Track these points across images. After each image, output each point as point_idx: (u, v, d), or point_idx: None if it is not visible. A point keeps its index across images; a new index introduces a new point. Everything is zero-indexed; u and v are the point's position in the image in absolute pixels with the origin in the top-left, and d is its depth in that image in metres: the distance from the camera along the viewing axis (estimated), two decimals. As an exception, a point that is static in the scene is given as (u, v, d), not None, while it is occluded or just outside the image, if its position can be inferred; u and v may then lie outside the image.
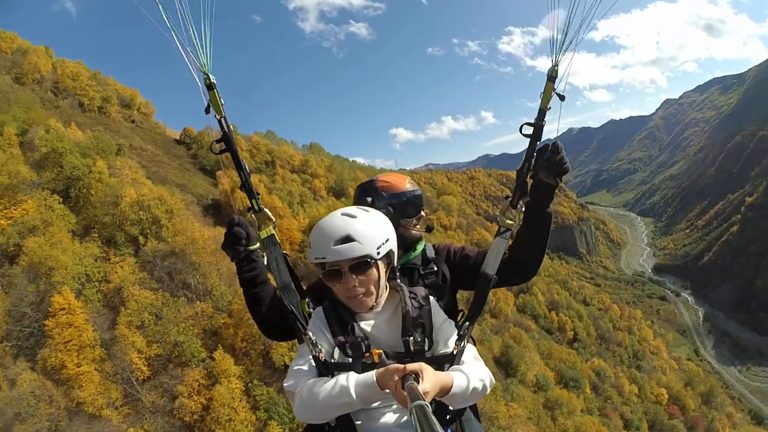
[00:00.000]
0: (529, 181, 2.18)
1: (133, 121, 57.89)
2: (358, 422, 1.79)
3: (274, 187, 47.85)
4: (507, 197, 2.21)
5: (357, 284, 1.82)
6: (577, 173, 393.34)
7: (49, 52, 57.60)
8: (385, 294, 1.96)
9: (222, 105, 2.06)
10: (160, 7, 1.83)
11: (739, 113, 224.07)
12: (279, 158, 59.98)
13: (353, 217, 1.84)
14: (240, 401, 22.67)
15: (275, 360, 25.21)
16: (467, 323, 1.99)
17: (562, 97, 2.08)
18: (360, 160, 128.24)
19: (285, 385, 1.87)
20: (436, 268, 2.30)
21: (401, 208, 2.32)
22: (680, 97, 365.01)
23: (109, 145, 33.11)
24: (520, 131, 2.10)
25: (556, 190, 2.16)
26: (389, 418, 1.80)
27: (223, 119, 2.09)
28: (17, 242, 23.94)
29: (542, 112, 2.07)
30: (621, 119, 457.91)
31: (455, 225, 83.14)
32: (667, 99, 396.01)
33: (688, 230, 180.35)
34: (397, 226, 2.19)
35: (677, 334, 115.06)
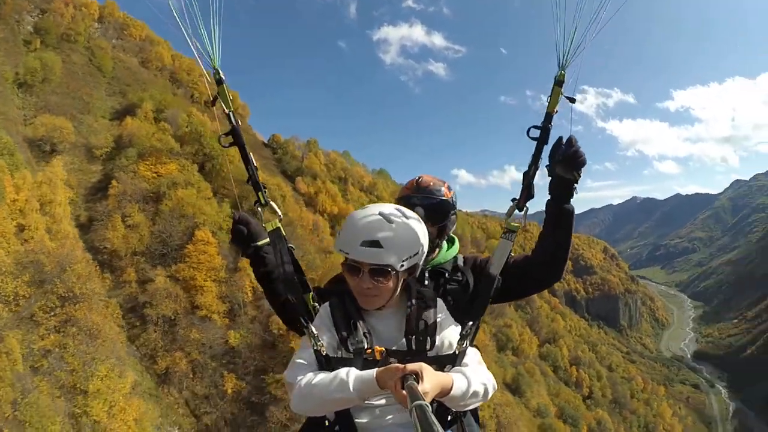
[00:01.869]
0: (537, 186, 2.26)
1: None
2: (360, 420, 1.87)
3: (349, 199, 57.39)
4: (513, 200, 2.27)
5: (371, 286, 1.89)
6: (634, 244, 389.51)
7: (167, 46, 69.61)
8: (396, 295, 2.00)
9: (230, 100, 2.20)
10: (173, 9, 2.02)
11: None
12: (351, 177, 69.05)
13: (389, 222, 1.88)
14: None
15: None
16: (470, 323, 2.04)
17: (572, 100, 2.19)
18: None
19: (285, 375, 1.97)
20: (461, 277, 2.35)
21: (431, 213, 2.39)
22: (751, 179, 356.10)
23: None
24: (528, 134, 2.20)
25: (575, 185, 2.20)
26: (391, 418, 1.87)
27: (231, 113, 2.21)
28: (164, 191, 34.06)
29: (549, 116, 2.18)
30: (687, 194, 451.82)
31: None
32: (737, 179, 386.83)
33: (736, 320, 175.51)
34: None
35: (702, 425, 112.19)
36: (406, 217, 1.94)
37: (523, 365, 58.50)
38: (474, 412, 2.29)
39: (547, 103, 2.19)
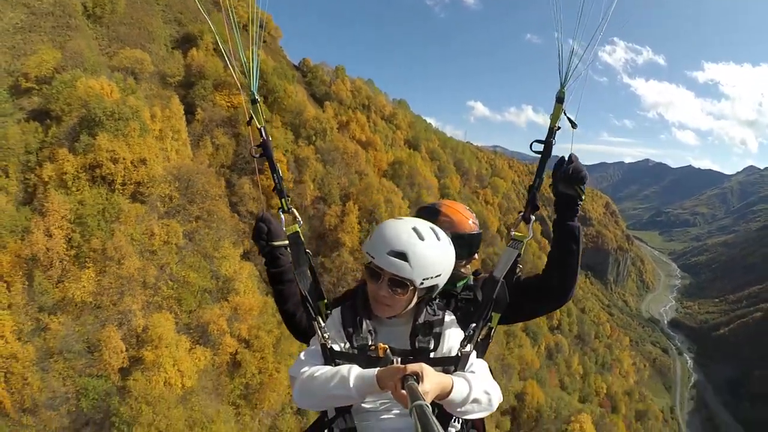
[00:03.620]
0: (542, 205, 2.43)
1: (264, 41, 69.46)
2: (361, 423, 2.02)
3: (375, 130, 66.97)
4: (520, 212, 2.45)
5: (387, 295, 2.03)
6: (637, 205, 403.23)
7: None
8: (409, 309, 2.14)
9: (263, 117, 2.61)
10: (222, 49, 2.65)
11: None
12: (374, 105, 75.65)
13: (421, 239, 2.00)
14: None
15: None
16: (473, 324, 2.19)
17: (574, 124, 2.34)
18: (432, 122, 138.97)
19: (289, 370, 2.14)
20: (471, 295, 2.49)
21: (456, 249, 2.36)
22: (765, 168, 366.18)
23: (288, 74, 55.23)
24: (531, 148, 2.36)
25: (579, 202, 2.35)
26: (392, 422, 2.02)
27: (263, 128, 2.56)
28: (240, 118, 45.84)
29: (551, 130, 2.36)
30: (700, 168, 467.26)
31: (496, 204, 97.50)
32: (751, 165, 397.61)
33: (717, 300, 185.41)
34: None
35: (662, 387, 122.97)
36: (438, 239, 2.07)
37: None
38: (481, 428, 2.43)
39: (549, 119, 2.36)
